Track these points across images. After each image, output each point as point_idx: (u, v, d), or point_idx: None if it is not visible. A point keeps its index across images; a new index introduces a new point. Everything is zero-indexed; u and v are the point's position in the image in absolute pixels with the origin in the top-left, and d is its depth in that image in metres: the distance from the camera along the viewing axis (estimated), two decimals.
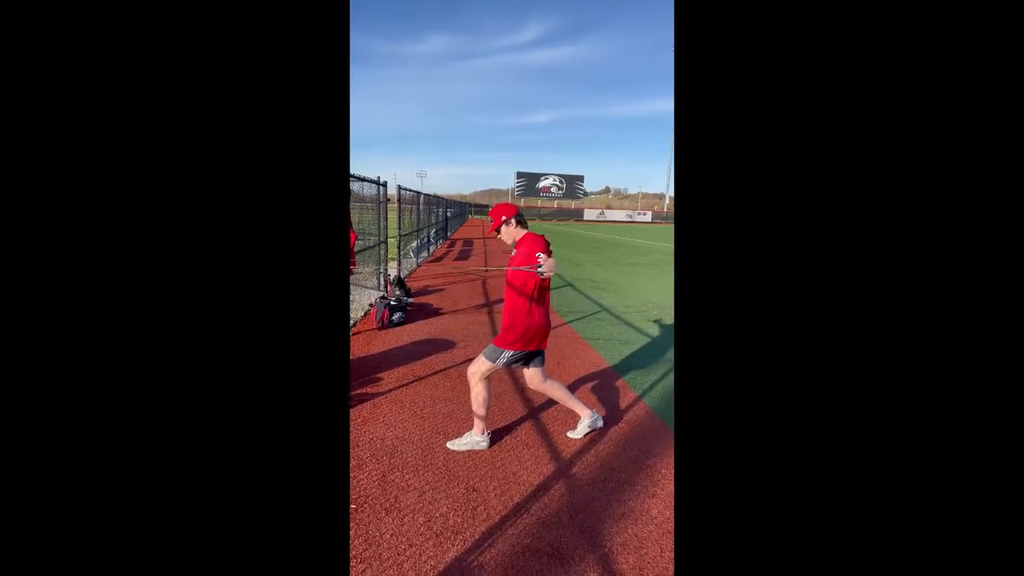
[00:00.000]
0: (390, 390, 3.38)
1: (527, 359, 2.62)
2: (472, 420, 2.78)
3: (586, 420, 2.77)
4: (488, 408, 2.69)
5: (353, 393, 3.29)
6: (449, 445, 2.61)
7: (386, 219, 6.95)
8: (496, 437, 2.74)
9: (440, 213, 18.52)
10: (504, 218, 2.61)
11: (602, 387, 3.54)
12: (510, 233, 2.63)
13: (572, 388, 3.46)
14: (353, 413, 3.00)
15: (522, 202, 58.48)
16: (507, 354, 2.57)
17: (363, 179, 6.70)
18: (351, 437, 2.69)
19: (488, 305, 6.46)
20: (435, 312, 5.91)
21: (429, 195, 14.87)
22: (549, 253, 2.51)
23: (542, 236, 2.59)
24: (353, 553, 1.82)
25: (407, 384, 3.49)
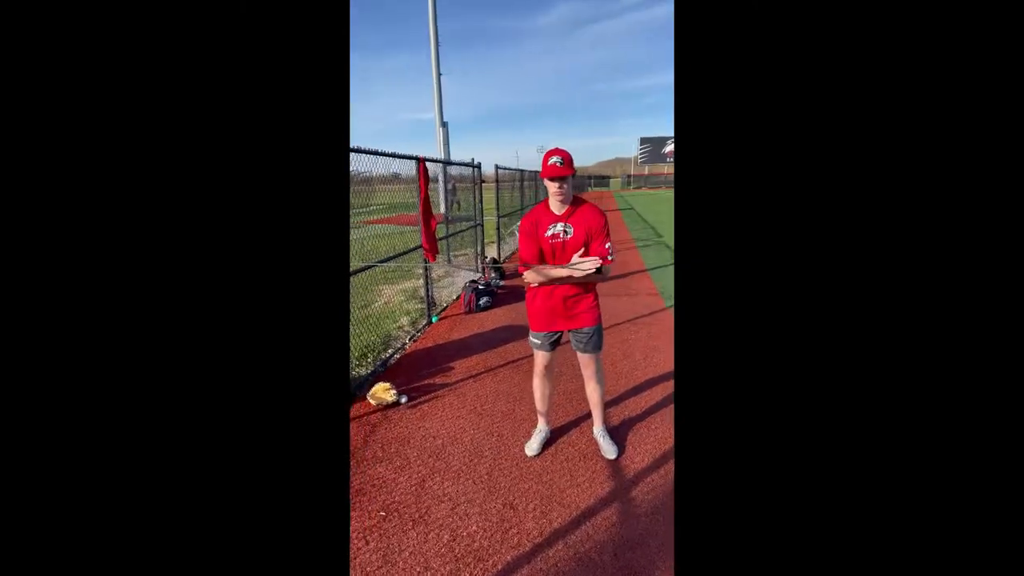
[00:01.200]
0: (457, 382, 3.28)
1: (552, 342, 2.30)
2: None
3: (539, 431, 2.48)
4: (546, 403, 2.43)
5: (421, 384, 3.26)
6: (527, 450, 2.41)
7: (481, 200, 6.88)
8: (558, 444, 2.48)
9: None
10: (573, 167, 2.08)
11: None
12: (568, 193, 2.12)
13: None
14: (415, 407, 2.95)
15: (646, 170, 55.26)
16: (532, 337, 2.31)
17: (454, 163, 6.67)
18: (404, 434, 2.64)
19: None
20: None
21: (534, 172, 14.63)
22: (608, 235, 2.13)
23: (598, 209, 2.19)
24: (368, 569, 1.72)
25: (476, 376, 3.36)
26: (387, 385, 3.00)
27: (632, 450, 2.41)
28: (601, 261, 2.07)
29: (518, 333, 4.25)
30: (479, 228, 6.84)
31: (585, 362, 2.31)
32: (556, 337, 2.28)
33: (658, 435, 2.53)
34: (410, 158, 4.35)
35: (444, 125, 23.44)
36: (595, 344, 2.26)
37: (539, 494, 2.10)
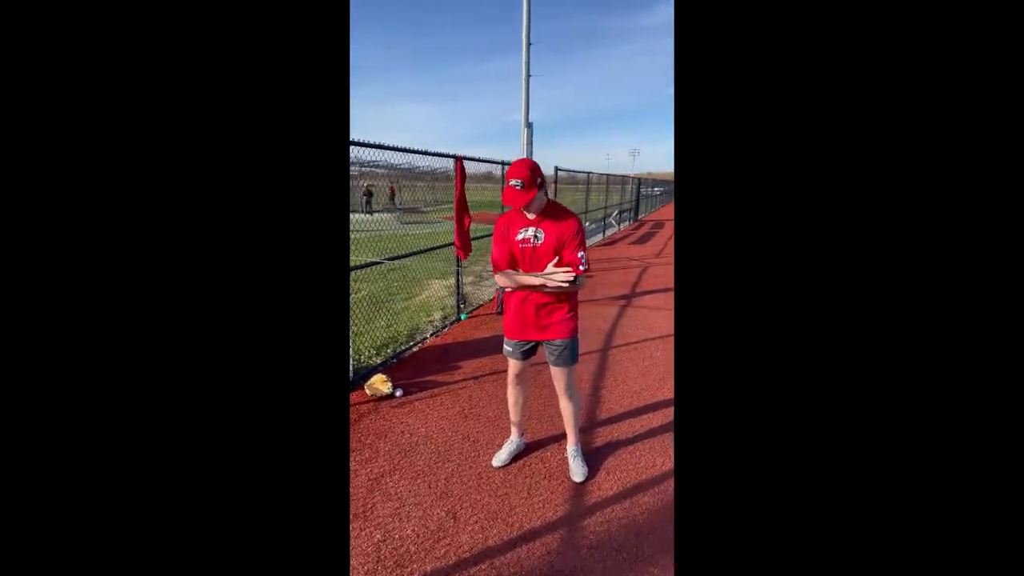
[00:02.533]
0: (458, 381, 3.25)
1: (524, 351, 2.18)
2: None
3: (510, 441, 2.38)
4: (518, 413, 2.34)
5: (424, 379, 3.28)
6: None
7: None
8: (529, 458, 2.38)
9: (629, 191, 17.66)
10: (539, 180, 1.93)
11: None
12: (542, 200, 1.99)
13: None
14: (406, 402, 2.97)
15: None
16: (504, 344, 2.22)
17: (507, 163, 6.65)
18: (384, 427, 2.66)
19: (629, 297, 5.83)
20: None
21: (612, 175, 14.25)
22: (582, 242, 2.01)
23: (574, 215, 2.06)
24: None
25: (478, 377, 3.32)
26: (384, 377, 3.05)
27: (604, 476, 2.24)
28: (575, 273, 1.95)
29: None
30: None
31: (556, 376, 2.18)
32: (529, 347, 2.18)
33: (640, 463, 2.33)
34: (448, 156, 4.41)
35: (529, 126, 23.69)
36: (566, 358, 2.13)
37: (487, 508, 2.01)
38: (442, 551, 1.78)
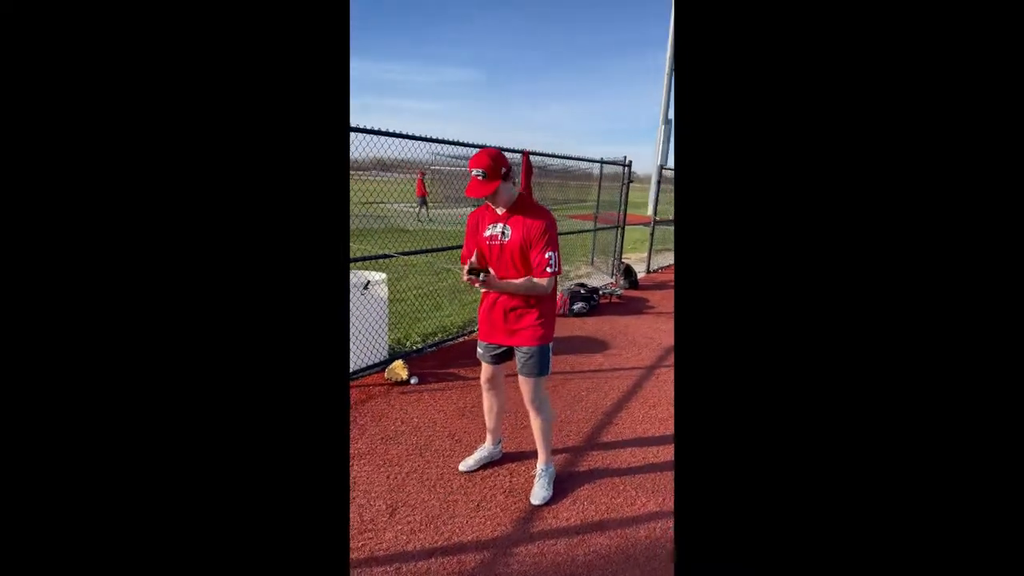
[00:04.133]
0: (474, 378, 3.19)
1: (494, 355, 2.06)
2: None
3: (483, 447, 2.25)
4: (492, 419, 2.24)
5: (445, 371, 3.29)
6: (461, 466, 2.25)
7: (626, 202, 6.43)
8: (498, 469, 2.25)
9: None
10: (504, 169, 1.82)
11: None
12: (508, 193, 1.87)
13: None
14: (415, 392, 3.00)
15: None
16: (477, 346, 2.11)
17: (608, 162, 6.36)
18: (381, 411, 2.72)
19: None
20: (637, 309, 5.18)
21: None
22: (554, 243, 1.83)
23: (545, 212, 1.88)
24: None
25: None
26: (403, 363, 3.12)
27: (569, 504, 2.02)
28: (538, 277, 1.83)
29: (586, 346, 3.91)
30: (619, 231, 6.42)
31: (521, 385, 2.01)
32: (499, 351, 2.04)
33: (618, 499, 2.06)
34: (516, 151, 4.34)
35: (668, 123, 22.46)
36: (531, 367, 1.95)
37: (428, 511, 1.94)
38: (358, 543, 1.75)
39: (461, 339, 3.98)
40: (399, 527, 1.84)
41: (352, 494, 2.01)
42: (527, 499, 2.03)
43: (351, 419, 2.61)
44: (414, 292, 5.16)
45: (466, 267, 1.80)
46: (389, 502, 1.98)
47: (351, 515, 1.89)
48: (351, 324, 3.07)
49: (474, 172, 1.81)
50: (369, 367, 3.21)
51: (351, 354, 3.06)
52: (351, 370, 3.12)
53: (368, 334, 3.18)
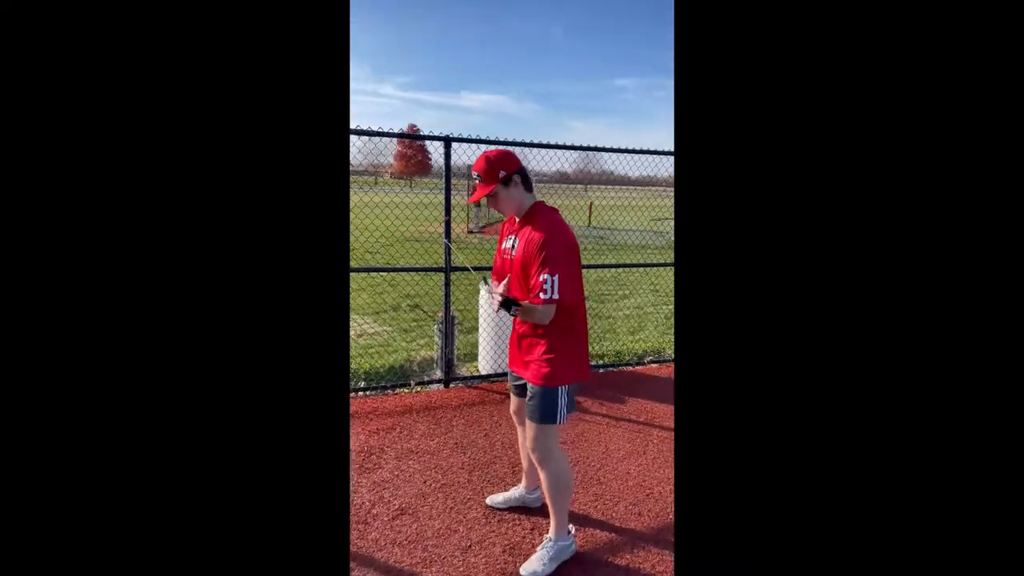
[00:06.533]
0: (591, 413, 2.87)
1: (516, 386, 1.84)
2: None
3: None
4: (525, 457, 2.01)
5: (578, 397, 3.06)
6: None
7: None
8: (520, 519, 2.01)
9: None
10: (503, 173, 1.59)
11: None
12: (512, 200, 1.63)
13: None
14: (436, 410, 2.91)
15: None
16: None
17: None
18: (477, 419, 2.74)
19: None
20: None
21: None
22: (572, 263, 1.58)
23: (547, 227, 1.57)
24: None
25: (617, 419, 2.82)
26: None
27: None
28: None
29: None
30: None
31: (526, 428, 1.72)
32: (520, 381, 1.80)
33: None
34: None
35: None
36: (532, 410, 1.64)
37: (424, 531, 1.89)
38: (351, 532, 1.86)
39: (632, 367, 3.62)
40: (388, 531, 1.87)
41: (382, 483, 2.14)
42: (518, 566, 1.75)
43: (446, 415, 2.74)
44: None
45: (498, 289, 1.66)
46: (401, 505, 2.02)
47: (359, 501, 2.02)
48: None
49: (474, 175, 1.66)
50: (501, 373, 3.26)
51: (495, 357, 3.18)
52: (491, 372, 3.25)
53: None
